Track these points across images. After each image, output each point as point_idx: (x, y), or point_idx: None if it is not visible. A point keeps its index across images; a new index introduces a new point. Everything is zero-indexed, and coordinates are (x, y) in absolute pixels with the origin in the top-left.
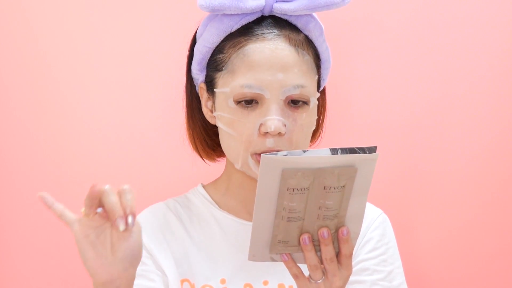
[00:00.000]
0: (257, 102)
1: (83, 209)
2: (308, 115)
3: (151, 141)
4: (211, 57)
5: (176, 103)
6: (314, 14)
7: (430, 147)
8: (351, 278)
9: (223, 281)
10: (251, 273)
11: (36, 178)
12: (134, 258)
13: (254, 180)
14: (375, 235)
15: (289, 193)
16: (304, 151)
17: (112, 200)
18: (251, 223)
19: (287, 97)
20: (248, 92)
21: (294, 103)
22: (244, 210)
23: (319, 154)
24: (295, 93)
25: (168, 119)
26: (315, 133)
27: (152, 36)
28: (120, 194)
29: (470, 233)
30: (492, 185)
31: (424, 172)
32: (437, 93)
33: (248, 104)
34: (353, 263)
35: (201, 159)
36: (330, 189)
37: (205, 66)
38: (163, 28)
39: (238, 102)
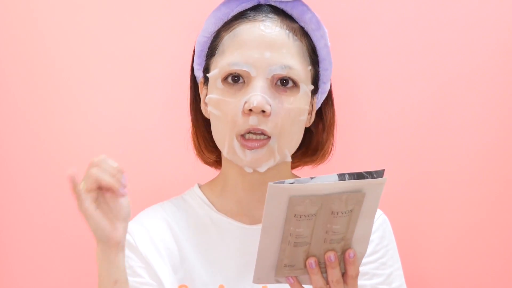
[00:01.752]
0: (244, 82)
1: (82, 185)
2: (297, 100)
3: (148, 141)
4: (209, 46)
5: (176, 103)
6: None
7: (433, 149)
8: None
9: (221, 287)
10: (250, 279)
11: (35, 176)
12: (129, 213)
13: (248, 178)
14: (374, 238)
15: (296, 220)
16: (312, 178)
17: (107, 177)
18: (249, 226)
19: (273, 76)
20: (235, 70)
21: (283, 84)
22: (241, 212)
23: (326, 181)
24: (282, 73)
25: (167, 119)
26: (327, 151)
27: (156, 36)
28: (100, 165)
29: (473, 235)
30: (495, 188)
31: (427, 174)
32: (441, 95)
33: (234, 82)
34: None
35: (201, 162)
36: (337, 214)
37: (204, 58)
38: (168, 28)
39: (225, 80)
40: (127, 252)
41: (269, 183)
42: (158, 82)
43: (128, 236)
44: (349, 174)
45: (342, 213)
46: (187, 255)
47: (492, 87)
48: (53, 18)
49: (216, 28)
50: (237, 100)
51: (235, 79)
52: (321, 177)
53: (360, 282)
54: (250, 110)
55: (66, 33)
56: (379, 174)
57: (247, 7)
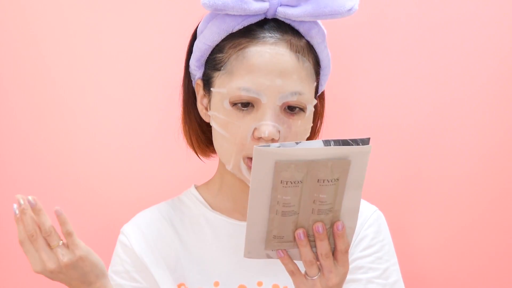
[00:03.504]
0: (253, 106)
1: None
2: (303, 123)
3: (147, 141)
4: (210, 55)
5: (172, 103)
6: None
7: (428, 147)
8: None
9: (216, 284)
10: (244, 275)
11: (30, 176)
12: None
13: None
14: (369, 233)
15: (283, 186)
16: (297, 143)
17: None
18: (243, 223)
19: (283, 103)
20: (245, 95)
21: (291, 109)
22: (236, 210)
23: (312, 146)
24: (292, 100)
25: (164, 119)
26: (312, 139)
27: (148, 33)
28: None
29: (469, 233)
30: (490, 186)
31: (423, 172)
32: (436, 94)
33: (244, 107)
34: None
35: (196, 156)
36: (324, 182)
37: (204, 63)
38: (160, 25)
39: (234, 104)
40: (122, 255)
41: (254, 146)
42: (156, 83)
43: (123, 238)
44: (335, 140)
45: (329, 181)
46: (183, 254)
47: (490, 88)
48: (49, 18)
49: (220, 39)
50: (246, 124)
51: (245, 104)
52: (306, 143)
53: (355, 276)
54: (260, 137)
55: (61, 33)
56: (364, 142)
57: (253, 22)
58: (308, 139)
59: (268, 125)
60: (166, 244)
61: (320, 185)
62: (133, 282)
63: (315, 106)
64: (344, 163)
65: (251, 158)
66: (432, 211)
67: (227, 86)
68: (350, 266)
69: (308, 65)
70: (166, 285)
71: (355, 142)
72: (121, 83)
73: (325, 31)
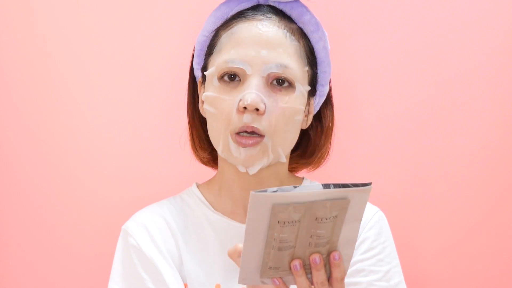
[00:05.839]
0: (239, 80)
1: None
2: (292, 100)
3: (147, 141)
4: (208, 45)
5: (174, 102)
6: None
7: (432, 149)
8: (347, 280)
9: (218, 286)
10: None
11: (33, 175)
12: None
13: (243, 176)
14: (370, 235)
15: (280, 226)
16: (295, 187)
17: None
18: (244, 225)
19: (269, 75)
20: (230, 67)
21: (279, 83)
22: (237, 211)
23: (310, 190)
24: (278, 72)
25: (166, 118)
26: (323, 154)
27: (153, 35)
28: None
29: (472, 234)
30: (493, 187)
31: (426, 173)
32: (439, 95)
33: (231, 80)
34: None
35: (198, 162)
36: (322, 219)
37: (203, 56)
38: (165, 27)
39: (221, 78)
40: (134, 258)
41: (251, 192)
42: (157, 82)
43: (130, 239)
44: (335, 184)
45: (327, 219)
46: (185, 255)
47: (491, 89)
48: (51, 18)
49: (215, 27)
50: (232, 98)
51: (231, 77)
52: (305, 186)
53: (356, 279)
54: (245, 108)
55: (64, 33)
56: (365, 186)
57: (246, 7)
58: (321, 154)
59: (251, 93)
60: (170, 243)
61: (318, 222)
62: (139, 281)
63: (324, 120)
64: (343, 203)
65: (238, 134)
66: (434, 212)
67: (216, 63)
68: (351, 269)
69: (297, 45)
70: (175, 285)
71: (356, 186)
72: (123, 83)
73: (326, 33)
